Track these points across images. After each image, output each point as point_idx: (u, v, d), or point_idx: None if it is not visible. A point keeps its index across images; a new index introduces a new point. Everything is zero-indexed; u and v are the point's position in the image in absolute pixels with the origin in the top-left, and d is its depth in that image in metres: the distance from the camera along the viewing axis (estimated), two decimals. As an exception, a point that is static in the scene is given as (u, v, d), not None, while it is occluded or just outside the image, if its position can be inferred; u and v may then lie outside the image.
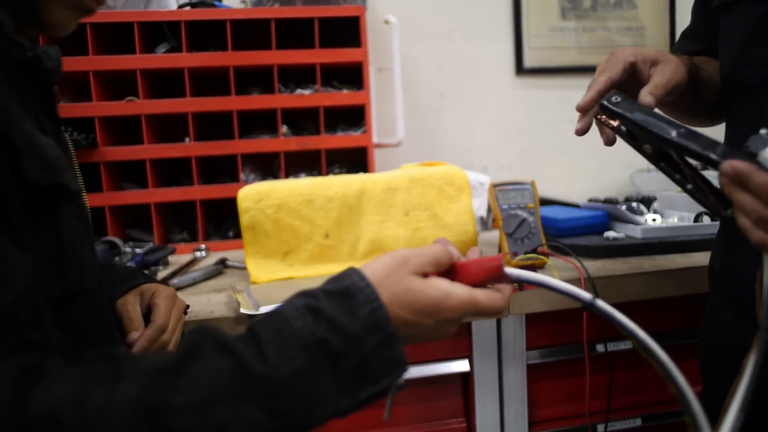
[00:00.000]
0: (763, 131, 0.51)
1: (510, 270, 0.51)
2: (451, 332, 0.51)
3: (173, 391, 0.38)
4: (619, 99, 0.67)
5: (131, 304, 0.70)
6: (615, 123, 0.69)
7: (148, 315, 0.71)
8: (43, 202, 0.47)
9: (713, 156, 0.54)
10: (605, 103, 0.68)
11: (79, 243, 0.51)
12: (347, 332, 0.43)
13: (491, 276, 0.51)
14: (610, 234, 1.17)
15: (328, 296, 0.45)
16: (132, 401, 0.37)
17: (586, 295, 0.51)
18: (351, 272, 0.47)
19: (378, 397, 0.45)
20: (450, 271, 0.52)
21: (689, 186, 0.64)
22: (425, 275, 0.49)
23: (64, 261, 0.49)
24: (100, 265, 0.60)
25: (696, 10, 0.88)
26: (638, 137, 0.66)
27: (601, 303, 0.50)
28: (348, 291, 0.45)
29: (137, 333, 0.67)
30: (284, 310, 0.45)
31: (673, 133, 0.60)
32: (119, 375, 0.38)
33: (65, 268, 0.49)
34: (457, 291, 0.48)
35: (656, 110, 0.67)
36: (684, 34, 0.91)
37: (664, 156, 0.65)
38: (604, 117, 0.70)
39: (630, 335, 0.49)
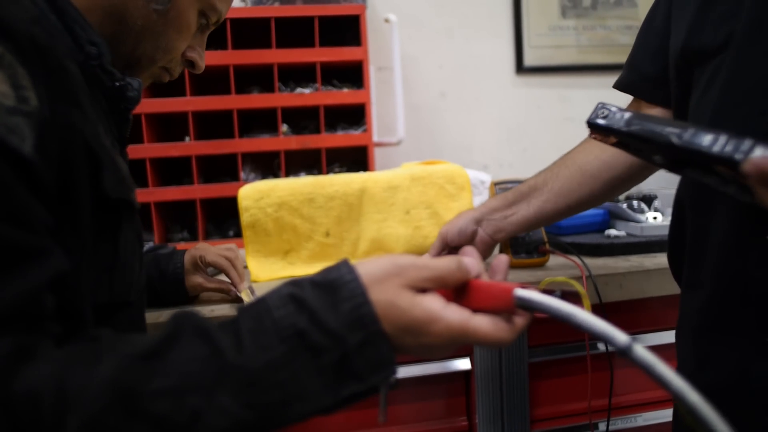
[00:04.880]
0: None
1: (525, 296, 0.42)
2: (445, 355, 0.46)
3: (149, 375, 0.39)
4: (606, 112, 0.57)
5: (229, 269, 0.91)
6: (610, 141, 0.58)
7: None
8: (110, 215, 0.52)
9: (736, 156, 0.44)
10: (593, 120, 0.57)
11: (131, 257, 0.55)
12: (327, 327, 0.41)
13: (499, 307, 0.43)
14: (612, 232, 1.16)
15: (314, 287, 0.43)
16: (108, 382, 0.38)
17: (623, 338, 0.41)
18: (341, 265, 0.45)
19: (365, 396, 0.43)
20: (462, 288, 0.46)
21: (731, 188, 0.50)
22: (423, 290, 0.44)
23: (115, 272, 0.53)
24: (144, 279, 0.65)
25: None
26: (642, 150, 0.56)
27: (639, 350, 0.40)
28: (333, 283, 0.43)
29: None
30: (269, 297, 0.44)
31: (676, 138, 0.49)
32: (99, 357, 0.39)
33: (114, 279, 0.53)
34: (449, 315, 0.43)
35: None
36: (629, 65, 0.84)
37: (683, 162, 0.53)
38: (596, 136, 0.59)
39: (668, 388, 0.40)
